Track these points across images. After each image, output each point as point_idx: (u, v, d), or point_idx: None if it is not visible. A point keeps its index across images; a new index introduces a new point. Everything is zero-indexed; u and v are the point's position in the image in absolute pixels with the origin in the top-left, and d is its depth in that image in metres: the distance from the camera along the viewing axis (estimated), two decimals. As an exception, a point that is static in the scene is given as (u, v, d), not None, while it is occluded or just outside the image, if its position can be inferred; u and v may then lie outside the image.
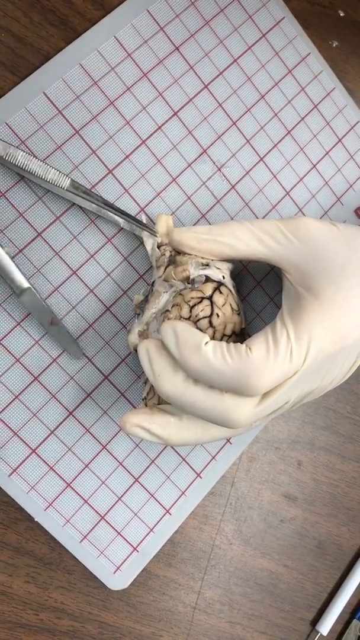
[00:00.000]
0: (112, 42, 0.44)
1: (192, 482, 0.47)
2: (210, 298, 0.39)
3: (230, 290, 0.41)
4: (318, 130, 0.51)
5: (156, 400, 0.40)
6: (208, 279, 0.40)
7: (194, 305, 0.39)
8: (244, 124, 0.48)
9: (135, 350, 0.42)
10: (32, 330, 0.42)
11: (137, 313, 0.44)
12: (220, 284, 0.40)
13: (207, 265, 0.41)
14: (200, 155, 0.47)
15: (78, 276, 0.43)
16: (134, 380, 0.45)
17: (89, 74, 0.44)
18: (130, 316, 0.45)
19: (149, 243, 0.43)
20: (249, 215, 0.48)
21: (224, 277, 0.41)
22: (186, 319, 0.39)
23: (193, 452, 0.47)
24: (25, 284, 0.40)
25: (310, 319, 0.38)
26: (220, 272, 0.41)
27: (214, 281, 0.40)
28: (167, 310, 0.40)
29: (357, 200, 0.52)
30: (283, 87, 0.50)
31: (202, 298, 0.39)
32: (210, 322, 0.39)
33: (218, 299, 0.40)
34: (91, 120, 0.44)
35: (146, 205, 0.45)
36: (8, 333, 0.42)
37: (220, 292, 0.40)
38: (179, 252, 0.42)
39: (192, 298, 0.39)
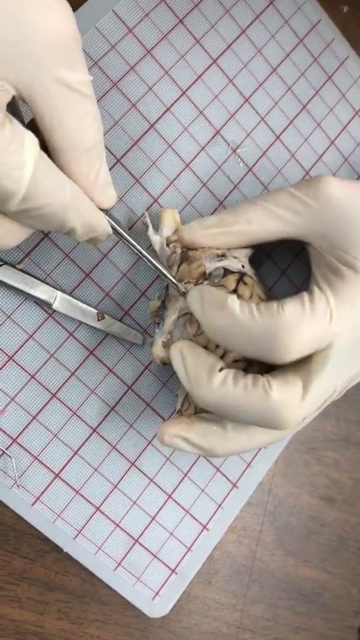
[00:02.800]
0: (111, 16, 0.40)
1: (228, 493, 0.43)
2: (235, 292, 0.35)
3: (254, 279, 0.37)
4: (334, 103, 0.47)
5: (192, 411, 0.36)
6: (227, 271, 0.36)
7: None
8: (257, 100, 0.44)
9: (163, 363, 0.38)
10: (45, 341, 0.38)
11: (156, 322, 0.40)
12: (242, 274, 0.36)
13: (223, 255, 0.37)
14: (213, 136, 0.43)
15: (92, 279, 0.39)
16: (160, 389, 0.41)
17: (89, 56, 0.39)
18: (149, 318, 0.41)
19: (157, 242, 0.39)
20: (268, 199, 0.44)
21: (243, 267, 0.37)
22: None
23: (227, 461, 0.43)
24: (54, 292, 0.37)
25: (350, 288, 0.34)
26: (239, 262, 0.37)
27: (235, 272, 0.36)
28: (188, 313, 0.36)
29: (379, 177, 0.49)
30: (295, 57, 0.46)
31: (226, 291, 0.35)
32: None
33: (244, 291, 0.36)
34: (94, 104, 0.39)
35: (159, 196, 0.41)
36: (20, 348, 0.37)
37: (245, 283, 0.36)
38: (190, 247, 0.38)
39: None
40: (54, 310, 0.38)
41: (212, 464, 0.42)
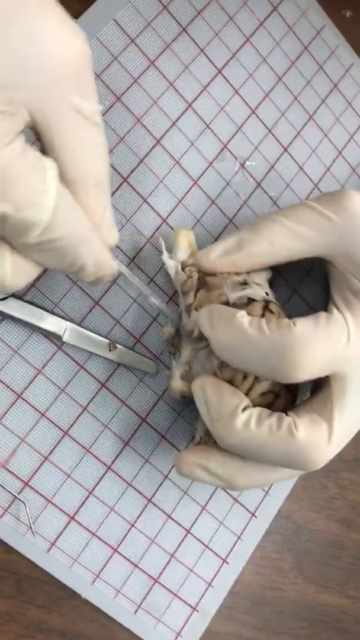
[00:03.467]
0: (112, 26, 0.37)
1: (247, 524, 0.41)
2: None
3: (278, 306, 0.35)
4: (340, 112, 0.45)
5: (212, 443, 0.34)
6: (251, 299, 0.34)
7: None
8: (263, 111, 0.42)
9: (182, 397, 0.36)
10: (55, 376, 0.35)
11: (171, 352, 0.37)
12: (267, 302, 0.34)
13: (245, 283, 0.35)
14: (221, 151, 0.41)
15: (101, 307, 0.37)
16: (175, 419, 0.39)
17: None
18: (161, 344, 0.38)
19: (171, 267, 0.37)
20: (278, 215, 0.42)
21: (267, 294, 0.35)
22: None
23: (245, 491, 0.41)
24: (63, 323, 0.35)
25: None
26: (262, 288, 0.35)
27: (259, 300, 0.34)
28: (208, 345, 0.34)
29: (387, 187, 0.47)
30: (300, 65, 0.44)
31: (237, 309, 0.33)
32: None
33: (271, 317, 0.34)
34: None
35: (168, 215, 0.39)
36: (29, 384, 0.35)
37: (271, 312, 0.34)
38: (205, 272, 0.36)
39: None
40: (64, 342, 0.35)
41: (230, 495, 0.41)
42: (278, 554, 0.43)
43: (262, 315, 0.33)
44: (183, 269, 0.36)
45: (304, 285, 0.43)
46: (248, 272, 0.36)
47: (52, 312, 0.35)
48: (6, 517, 0.34)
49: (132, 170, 0.38)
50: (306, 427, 0.31)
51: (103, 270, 0.29)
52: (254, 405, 0.32)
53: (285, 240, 0.35)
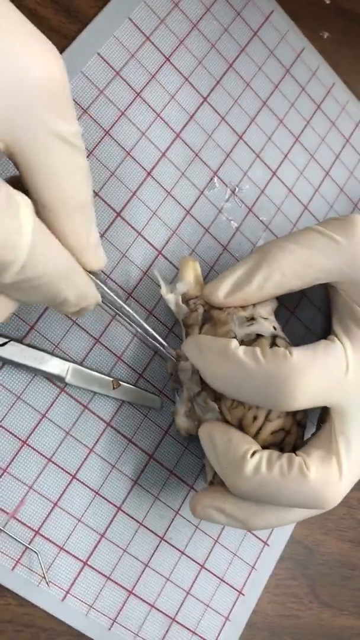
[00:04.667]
0: (97, 60, 0.37)
1: (260, 553, 0.41)
2: None
3: (286, 340, 0.35)
4: (325, 132, 0.46)
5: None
6: (259, 335, 0.34)
7: None
8: (250, 136, 0.42)
9: (189, 434, 0.36)
10: (60, 419, 0.35)
11: (174, 388, 0.37)
12: (274, 337, 0.34)
13: (253, 319, 0.34)
14: (211, 179, 0.40)
15: (102, 344, 0.36)
16: (182, 452, 0.38)
17: (78, 104, 0.36)
18: (164, 378, 0.38)
19: (171, 300, 0.36)
20: (271, 239, 0.42)
21: (275, 328, 0.35)
22: None
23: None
24: (65, 364, 0.34)
25: None
26: (270, 322, 0.35)
27: (266, 336, 0.34)
28: (200, 392, 0.33)
29: (374, 204, 0.48)
30: (283, 88, 0.44)
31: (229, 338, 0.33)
32: None
33: None
34: (88, 155, 0.36)
35: (163, 247, 0.38)
36: (33, 429, 0.34)
37: (279, 347, 0.34)
38: (212, 305, 0.35)
39: None
40: (67, 384, 0.35)
41: (242, 525, 0.40)
42: (292, 580, 0.43)
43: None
44: (187, 301, 0.36)
45: (301, 307, 0.43)
46: (254, 304, 0.35)
47: (53, 354, 0.34)
48: (18, 569, 0.33)
49: (125, 204, 0.37)
50: (317, 465, 0.30)
51: (87, 301, 0.28)
52: (265, 445, 0.32)
53: (297, 268, 0.34)
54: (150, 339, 0.34)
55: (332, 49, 0.47)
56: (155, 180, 0.38)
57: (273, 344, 0.33)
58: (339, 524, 0.45)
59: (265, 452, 0.31)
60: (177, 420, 0.35)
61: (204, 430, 0.32)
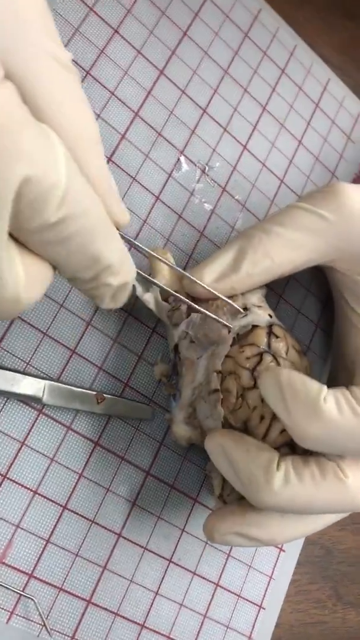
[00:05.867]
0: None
1: (277, 560, 0.37)
2: (269, 347, 0.30)
3: (282, 327, 0.31)
4: (292, 98, 0.42)
5: (237, 496, 0.30)
6: (254, 325, 0.30)
7: (255, 366, 0.29)
8: (215, 109, 0.39)
9: (190, 444, 0.32)
10: (41, 445, 0.31)
11: (171, 394, 0.33)
12: (270, 325, 0.30)
13: (246, 309, 0.31)
14: (178, 159, 0.37)
15: (79, 354, 0.32)
16: (181, 463, 0.35)
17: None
18: (153, 383, 0.34)
19: (151, 301, 0.32)
20: (250, 219, 0.39)
21: (271, 316, 0.31)
22: (250, 388, 0.29)
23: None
24: (40, 382, 0.30)
25: None
26: (264, 310, 0.31)
27: (262, 326, 0.30)
28: (218, 390, 0.30)
29: (352, 169, 0.44)
30: (244, 54, 0.40)
31: (260, 353, 0.29)
32: None
33: (278, 346, 0.30)
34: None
35: (136, 237, 0.34)
36: (13, 461, 0.30)
37: (277, 336, 0.30)
38: (196, 298, 0.32)
39: (247, 358, 0.29)
40: (44, 405, 0.31)
41: (254, 533, 0.37)
42: (313, 585, 0.39)
43: (268, 344, 0.29)
44: (166, 298, 0.32)
45: (289, 291, 0.39)
46: (243, 293, 0.32)
47: (25, 372, 0.30)
48: (14, 621, 0.29)
49: (87, 196, 0.33)
50: (352, 468, 0.27)
51: (127, 268, 0.23)
52: (276, 446, 0.28)
53: (286, 252, 0.31)
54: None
55: (291, 8, 0.44)
56: (117, 166, 0.34)
57: (270, 334, 0.30)
58: (353, 517, 0.42)
59: (289, 460, 0.27)
60: (176, 429, 0.32)
61: (213, 442, 0.28)
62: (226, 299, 0.30)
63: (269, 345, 0.30)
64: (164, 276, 0.31)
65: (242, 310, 0.30)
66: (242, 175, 0.39)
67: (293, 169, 0.41)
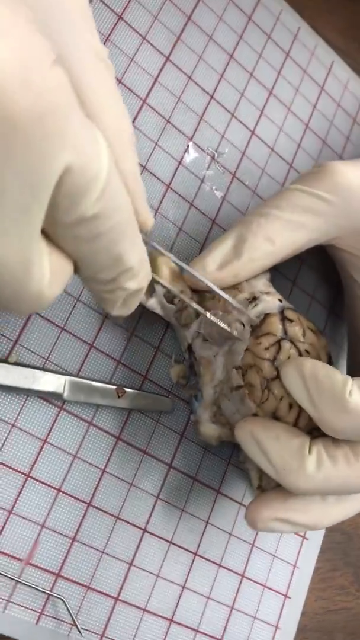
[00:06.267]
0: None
1: (299, 549, 0.37)
2: (285, 334, 0.29)
3: (295, 310, 0.31)
4: (298, 82, 0.41)
5: (275, 482, 0.30)
6: (267, 314, 0.30)
7: (274, 356, 0.29)
8: (222, 94, 0.38)
9: (221, 441, 0.31)
10: (63, 442, 0.30)
11: (192, 395, 0.32)
12: (282, 310, 0.30)
13: (255, 298, 0.30)
14: (187, 147, 0.36)
15: (97, 349, 0.31)
16: (202, 456, 0.34)
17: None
18: (169, 380, 0.34)
19: (155, 305, 0.31)
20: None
21: (280, 300, 0.31)
22: (273, 379, 0.28)
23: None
24: (60, 378, 0.29)
25: None
26: (273, 296, 0.31)
27: (275, 313, 0.30)
28: (241, 386, 0.29)
29: (359, 151, 0.44)
30: (248, 38, 0.39)
31: (278, 341, 0.29)
32: None
33: (294, 330, 0.29)
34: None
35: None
36: (36, 459, 0.29)
37: (291, 320, 0.30)
38: (196, 291, 0.31)
39: (266, 349, 0.29)
40: (65, 401, 0.30)
41: (277, 523, 0.36)
42: (335, 572, 0.39)
43: (284, 330, 0.29)
44: (171, 299, 0.31)
45: (301, 277, 0.39)
46: (248, 280, 0.31)
47: (45, 369, 0.29)
48: (43, 621, 0.28)
49: (98, 186, 0.33)
50: None
51: (143, 274, 0.23)
52: (308, 429, 0.28)
53: (287, 234, 0.30)
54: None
55: (292, -10, 0.43)
56: (128, 155, 0.34)
57: (284, 318, 0.29)
58: (372, 501, 0.42)
59: (320, 443, 0.27)
60: (204, 430, 0.31)
61: (243, 431, 0.28)
62: (226, 295, 0.29)
63: (285, 331, 0.29)
64: (165, 276, 0.30)
65: (242, 309, 0.29)
66: (252, 161, 0.38)
67: (301, 153, 0.41)
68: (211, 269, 0.30)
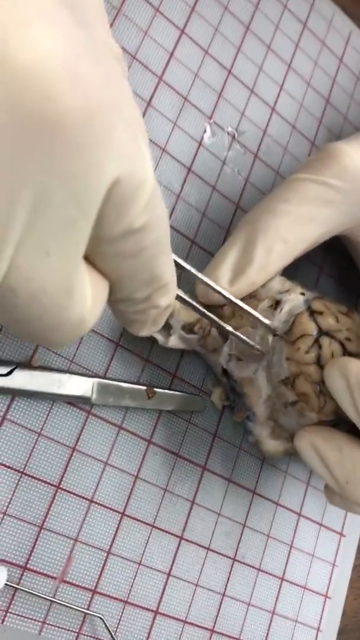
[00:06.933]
0: None
1: (338, 546, 0.35)
2: (320, 330, 0.27)
3: (319, 297, 0.29)
4: (316, 54, 0.39)
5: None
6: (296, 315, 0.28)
7: (317, 358, 0.26)
8: (240, 69, 0.35)
9: (289, 454, 0.29)
10: (93, 448, 0.28)
11: (244, 418, 0.30)
12: (308, 306, 0.28)
13: (278, 302, 0.28)
14: (207, 126, 0.34)
15: (124, 347, 0.29)
16: (236, 456, 0.32)
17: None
18: (201, 373, 0.31)
19: (175, 341, 0.29)
20: (284, 186, 0.36)
21: (303, 294, 0.29)
22: (324, 381, 0.26)
23: (327, 512, 0.35)
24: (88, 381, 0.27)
25: None
26: (295, 293, 0.28)
27: (302, 311, 0.28)
28: (296, 401, 0.27)
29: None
30: (264, 8, 0.37)
31: (315, 340, 0.27)
32: (350, 353, 0.27)
33: (327, 322, 0.27)
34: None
35: (171, 214, 0.32)
36: (65, 469, 0.27)
37: (320, 313, 0.27)
38: (211, 310, 0.28)
39: (307, 353, 0.26)
40: (93, 405, 0.28)
41: (313, 521, 0.35)
42: (373, 567, 0.38)
43: (318, 326, 0.27)
44: (190, 329, 0.29)
45: (327, 264, 0.37)
46: (263, 285, 0.29)
47: (71, 371, 0.27)
48: (81, 641, 0.26)
49: (117, 172, 0.30)
50: None
51: (174, 289, 0.21)
52: None
53: (299, 230, 0.28)
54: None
55: None
56: (146, 138, 0.31)
57: (312, 314, 0.27)
58: None
59: None
60: (267, 448, 0.29)
61: (303, 442, 0.26)
62: (248, 308, 0.27)
63: (318, 327, 0.27)
64: (178, 312, 0.28)
65: (263, 320, 0.27)
66: (274, 139, 0.36)
67: (322, 130, 0.39)
68: (224, 282, 0.28)
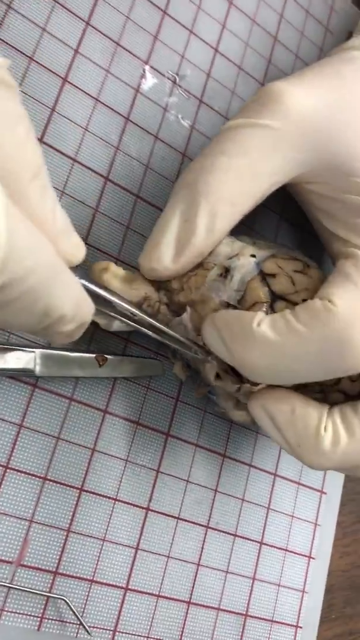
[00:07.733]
0: None
1: (319, 504, 0.34)
2: (273, 294, 0.25)
3: (275, 256, 0.26)
4: (260, -12, 0.37)
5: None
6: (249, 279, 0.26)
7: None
8: (175, 9, 0.33)
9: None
10: (42, 424, 0.26)
11: (204, 393, 0.29)
12: (258, 265, 0.26)
13: (227, 269, 0.26)
14: (143, 71, 0.31)
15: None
16: (202, 419, 0.31)
17: None
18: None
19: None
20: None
21: (254, 256, 0.26)
22: None
23: (304, 470, 0.34)
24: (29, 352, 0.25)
25: None
26: (244, 256, 0.26)
27: (255, 275, 0.26)
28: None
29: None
30: None
31: (270, 305, 0.25)
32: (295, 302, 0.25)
33: (280, 284, 0.25)
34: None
35: (109, 172, 0.29)
36: (12, 448, 0.25)
37: (273, 275, 0.25)
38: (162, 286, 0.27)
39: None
40: (38, 377, 0.26)
41: (290, 481, 0.33)
42: (359, 524, 0.36)
43: (270, 291, 0.25)
44: (139, 307, 0.26)
45: (288, 210, 0.35)
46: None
47: (10, 344, 0.25)
48: (46, 625, 0.25)
49: (45, 126, 0.28)
50: None
51: (83, 311, 0.20)
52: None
53: (243, 185, 0.25)
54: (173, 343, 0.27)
55: None
56: (75, 87, 0.29)
57: (264, 276, 0.25)
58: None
59: (338, 415, 0.24)
60: (236, 418, 0.28)
61: (255, 405, 0.24)
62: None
63: (271, 291, 0.25)
64: (115, 288, 0.26)
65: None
66: (219, 82, 0.34)
67: (273, 69, 0.36)
68: (167, 260, 0.25)
